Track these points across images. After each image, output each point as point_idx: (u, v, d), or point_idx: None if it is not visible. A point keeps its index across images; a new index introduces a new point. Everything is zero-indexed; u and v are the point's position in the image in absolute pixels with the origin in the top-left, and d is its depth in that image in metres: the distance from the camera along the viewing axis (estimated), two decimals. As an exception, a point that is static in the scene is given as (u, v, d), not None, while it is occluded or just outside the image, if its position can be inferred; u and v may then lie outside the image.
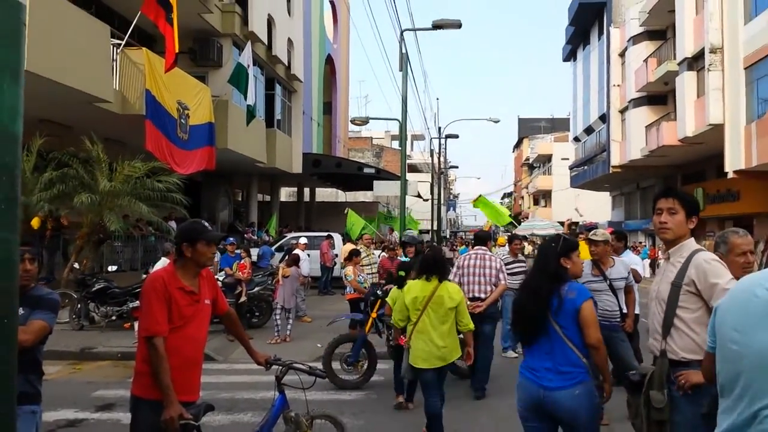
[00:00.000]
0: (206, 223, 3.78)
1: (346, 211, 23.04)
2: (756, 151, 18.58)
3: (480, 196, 27.70)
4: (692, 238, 3.38)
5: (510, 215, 29.69)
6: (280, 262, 13.28)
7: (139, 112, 13.18)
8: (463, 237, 39.90)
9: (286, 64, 23.18)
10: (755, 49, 19.00)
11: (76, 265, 12.17)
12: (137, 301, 9.01)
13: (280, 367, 4.04)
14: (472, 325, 5.50)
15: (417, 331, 5.37)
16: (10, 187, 2.00)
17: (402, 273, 6.77)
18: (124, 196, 12.07)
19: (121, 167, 12.11)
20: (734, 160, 20.10)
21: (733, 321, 1.90)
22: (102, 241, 12.63)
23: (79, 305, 11.25)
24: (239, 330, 4.14)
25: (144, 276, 11.95)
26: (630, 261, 7.53)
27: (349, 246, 19.30)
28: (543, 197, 67.08)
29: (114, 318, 10.99)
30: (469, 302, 6.83)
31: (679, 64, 24.43)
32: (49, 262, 13.73)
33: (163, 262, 11.32)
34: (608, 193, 43.30)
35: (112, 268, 12.82)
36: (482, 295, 7.36)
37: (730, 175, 20.63)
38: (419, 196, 33.31)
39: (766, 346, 1.75)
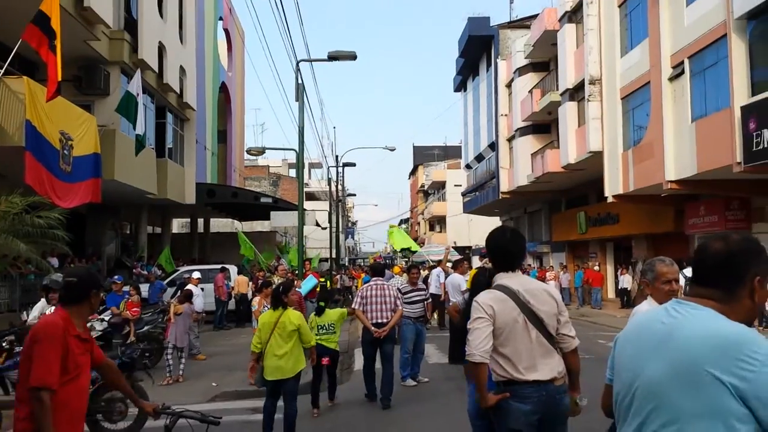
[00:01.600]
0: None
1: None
2: (633, 176, 19.84)
3: (392, 226, 28.42)
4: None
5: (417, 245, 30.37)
6: (172, 297, 12.84)
7: (19, 144, 12.42)
8: (362, 264, 40.03)
9: (178, 92, 22.64)
10: (631, 80, 20.37)
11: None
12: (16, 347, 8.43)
13: (170, 416, 3.84)
14: (313, 342, 6.88)
15: (267, 351, 6.58)
16: None
17: (322, 303, 8.50)
18: (0, 234, 11.28)
19: (-3, 203, 11.33)
20: (613, 185, 21.34)
21: (630, 350, 2.03)
22: (-25, 281, 11.74)
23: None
24: (120, 380, 3.95)
25: (25, 318, 11.19)
26: None
27: (243, 278, 19.03)
28: (438, 223, 68.67)
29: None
30: (373, 327, 8.30)
31: (561, 94, 25.81)
32: None
33: (43, 303, 10.67)
34: (498, 217, 44.90)
35: (-14, 311, 11.93)
36: (384, 321, 8.44)
37: (610, 200, 21.84)
38: (318, 224, 33.19)
39: (655, 375, 1.87)
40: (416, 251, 28.52)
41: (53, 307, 10.46)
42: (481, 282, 4.68)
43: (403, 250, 28.82)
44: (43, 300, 10.91)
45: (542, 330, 3.61)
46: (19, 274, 15.24)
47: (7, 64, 12.59)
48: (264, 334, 6.62)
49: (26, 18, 11.98)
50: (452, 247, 28.83)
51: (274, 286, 8.17)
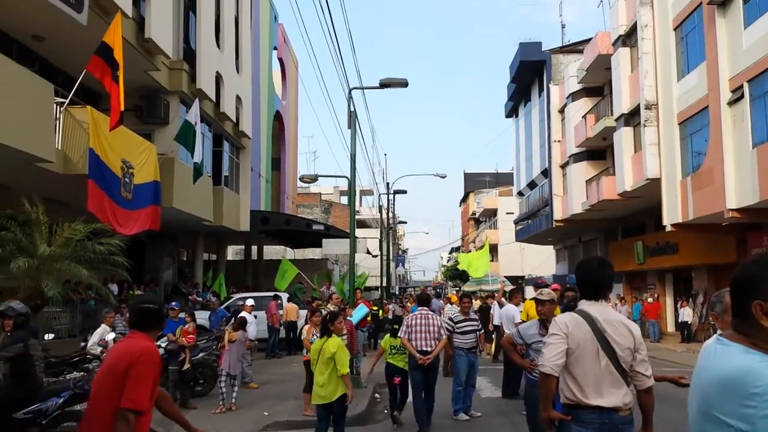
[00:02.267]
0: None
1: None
2: (692, 204, 19.26)
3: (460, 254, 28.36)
4: None
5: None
6: (226, 325, 12.96)
7: (82, 172, 12.85)
8: (413, 294, 39.84)
9: (235, 120, 23.15)
10: (688, 105, 19.88)
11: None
12: (75, 372, 8.60)
13: None
14: (344, 371, 6.80)
15: (314, 377, 7.08)
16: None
17: (396, 326, 9.32)
18: (63, 260, 11.61)
19: (61, 230, 11.69)
20: (672, 214, 20.76)
21: (690, 389, 2.02)
22: (39, 307, 12.05)
23: (12, 376, 10.65)
24: (173, 408, 3.97)
25: (83, 344, 11.45)
26: None
27: (293, 306, 19.09)
28: (490, 251, 67.90)
29: (50, 389, 10.42)
30: (419, 354, 8.54)
31: (616, 120, 25.37)
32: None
33: (103, 329, 10.91)
34: (552, 246, 44.13)
35: (48, 336, 12.23)
36: (428, 349, 8.62)
37: (669, 228, 21.25)
38: (369, 252, 33.27)
39: (691, 417, 1.89)
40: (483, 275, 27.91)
41: (112, 333, 10.69)
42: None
43: (455, 277, 28.56)
44: (103, 326, 11.16)
45: (614, 360, 3.71)
46: (80, 300, 15.66)
47: (72, 94, 13.11)
48: (313, 362, 7.15)
49: (90, 49, 12.48)
50: (505, 277, 28.52)
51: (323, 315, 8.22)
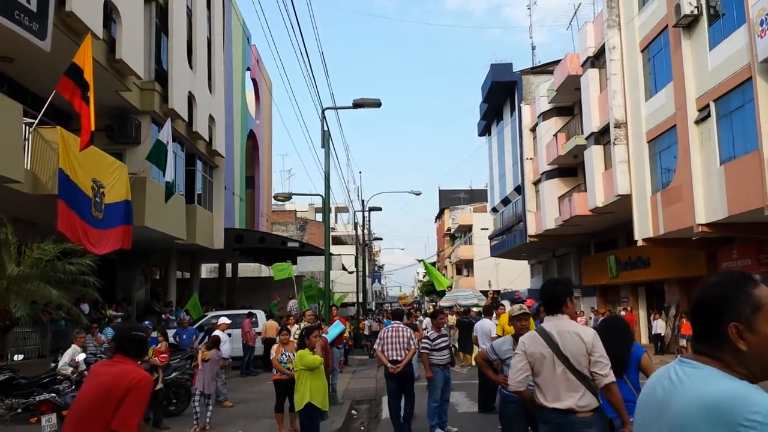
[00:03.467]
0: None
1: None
2: (662, 219, 19.59)
3: (424, 260, 28.53)
4: None
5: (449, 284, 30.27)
6: (199, 343, 12.84)
7: (52, 192, 12.72)
8: (389, 309, 39.81)
9: (207, 140, 23.08)
10: (657, 124, 20.29)
11: (-22, 356, 11.36)
12: (45, 394, 8.48)
13: None
14: (318, 361, 7.82)
15: None
16: None
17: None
18: (32, 281, 11.46)
19: (30, 250, 11.55)
20: (643, 229, 21.08)
21: (638, 418, 1.88)
22: (8, 328, 11.86)
23: (-19, 398, 10.44)
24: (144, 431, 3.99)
25: (53, 365, 11.27)
26: None
27: (272, 323, 18.97)
28: (465, 266, 68.25)
29: (20, 411, 10.23)
30: (390, 364, 9.23)
31: (586, 138, 25.77)
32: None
33: (74, 350, 10.75)
34: (527, 261, 44.46)
35: (17, 357, 12.04)
36: (398, 358, 9.29)
37: (640, 243, 21.55)
38: (344, 268, 33.19)
39: None
40: (444, 287, 28.13)
41: (83, 354, 10.54)
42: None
43: (431, 292, 28.68)
44: (74, 346, 10.99)
45: (569, 366, 4.20)
46: (50, 320, 15.41)
47: (41, 114, 13.00)
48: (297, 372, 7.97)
49: (60, 70, 12.41)
50: (480, 291, 28.65)
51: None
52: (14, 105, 11.98)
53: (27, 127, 12.68)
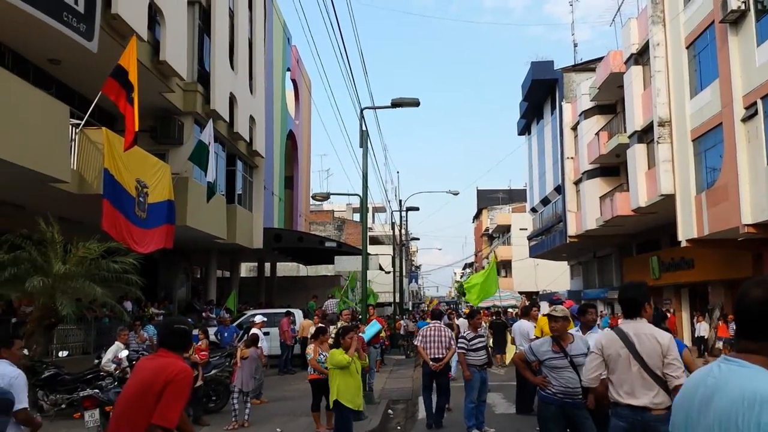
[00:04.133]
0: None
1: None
2: (707, 220, 19.13)
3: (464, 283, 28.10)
4: None
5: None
6: (238, 341, 12.98)
7: (97, 192, 13.02)
8: (426, 309, 39.72)
9: (248, 140, 23.35)
10: (702, 122, 19.82)
11: (26, 351, 11.67)
12: (88, 389, 8.68)
13: None
14: (347, 359, 7.82)
15: None
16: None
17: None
18: (77, 279, 11.74)
19: (75, 249, 11.83)
20: (686, 229, 20.62)
21: (680, 416, 1.87)
22: (53, 325, 12.17)
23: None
24: (188, 426, 4.00)
25: (97, 362, 11.54)
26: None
27: (308, 322, 19.09)
28: (503, 267, 67.67)
29: (63, 407, 10.50)
30: (432, 361, 9.96)
31: (629, 137, 25.32)
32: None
33: (117, 347, 10.99)
34: (566, 262, 43.88)
35: (62, 353, 12.35)
36: (440, 356, 10.02)
37: (684, 244, 21.10)
38: (381, 268, 33.24)
39: None
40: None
41: (126, 351, 10.76)
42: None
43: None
44: (117, 343, 11.24)
45: (644, 366, 4.52)
46: (94, 318, 15.78)
47: (87, 115, 13.32)
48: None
49: (105, 72, 12.70)
50: (518, 293, 28.42)
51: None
52: (61, 106, 12.30)
53: (73, 128, 13.01)
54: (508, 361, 16.97)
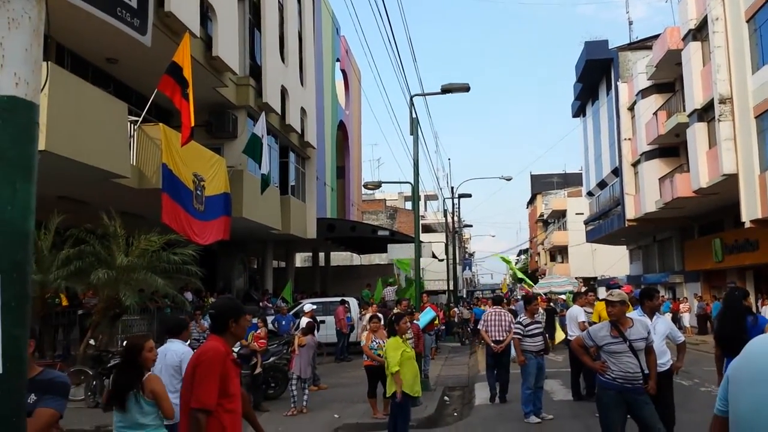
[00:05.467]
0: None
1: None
2: (772, 200, 18.44)
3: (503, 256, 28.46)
4: None
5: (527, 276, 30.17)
6: (295, 330, 13.18)
7: (156, 186, 13.40)
8: (480, 296, 39.49)
9: (300, 132, 23.61)
10: (765, 98, 19.08)
11: (92, 341, 12.15)
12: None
13: None
14: (393, 369, 7.58)
15: None
16: (22, 285, 2.04)
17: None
18: (140, 270, 12.13)
19: (137, 241, 12.22)
20: (750, 210, 19.94)
21: (745, 380, 1.87)
22: (118, 315, 12.63)
23: (94, 382, 11.18)
24: (250, 411, 4.10)
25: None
26: (664, 322, 7.49)
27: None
28: (559, 253, 66.64)
29: (129, 394, 10.87)
30: (493, 343, 11.01)
31: (689, 115, 24.57)
32: (65, 339, 13.72)
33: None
34: (625, 246, 42.94)
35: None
36: (501, 338, 11.02)
37: (747, 225, 20.43)
38: (434, 256, 33.18)
39: (748, 409, 1.75)
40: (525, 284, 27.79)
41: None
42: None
43: (522, 280, 28.36)
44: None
45: None
46: (156, 308, 16.27)
47: (144, 112, 13.69)
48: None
49: (161, 69, 13.01)
50: (575, 278, 28.04)
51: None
52: (120, 104, 12.68)
53: (132, 125, 13.39)
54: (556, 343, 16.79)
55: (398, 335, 7.99)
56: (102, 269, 11.56)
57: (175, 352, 6.02)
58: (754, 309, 25.17)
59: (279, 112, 21.14)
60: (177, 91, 13.13)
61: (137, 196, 13.79)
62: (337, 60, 32.82)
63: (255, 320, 12.42)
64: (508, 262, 30.20)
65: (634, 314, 7.00)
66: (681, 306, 27.63)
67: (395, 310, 12.87)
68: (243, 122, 19.21)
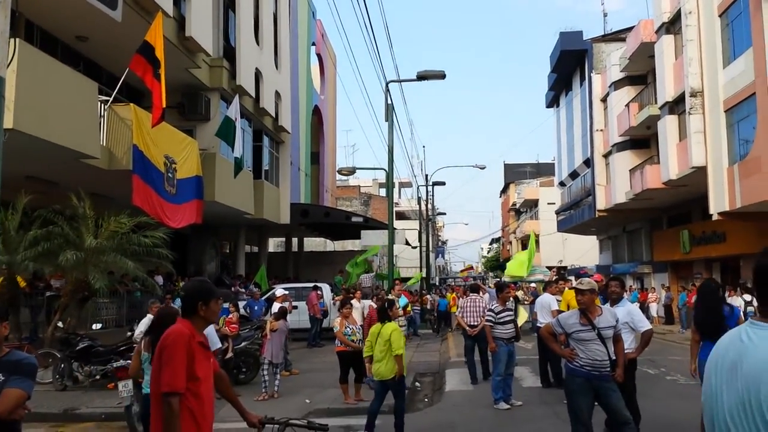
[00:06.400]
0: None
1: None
2: (740, 192, 18.77)
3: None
4: None
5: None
6: (266, 315, 13.14)
7: (126, 167, 13.20)
8: (452, 284, 39.72)
9: (274, 116, 23.41)
10: (735, 92, 19.36)
11: (60, 324, 11.98)
12: (122, 360, 8.87)
13: (277, 426, 3.88)
14: (400, 351, 7.67)
15: (374, 357, 7.89)
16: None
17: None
18: (109, 253, 11.97)
19: (107, 223, 12.04)
20: (718, 202, 20.28)
21: (712, 379, 1.89)
22: (86, 298, 12.44)
23: (62, 365, 11.05)
24: (229, 390, 4.06)
25: (129, 334, 11.78)
26: (629, 308, 7.53)
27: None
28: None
29: (98, 377, 10.78)
30: (468, 327, 11.94)
31: (660, 108, 24.84)
32: (33, 321, 13.51)
33: (149, 319, 11.17)
34: (595, 236, 43.48)
35: (96, 326, 12.63)
36: (475, 323, 11.73)
37: (715, 217, 20.76)
38: (407, 243, 33.27)
39: (727, 407, 1.75)
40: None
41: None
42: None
43: (495, 268, 28.43)
44: (149, 315, 11.43)
45: None
46: (126, 291, 16.09)
47: (115, 92, 13.45)
48: (371, 344, 7.98)
49: (132, 49, 12.79)
50: (546, 267, 28.31)
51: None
52: (90, 83, 12.43)
53: (102, 105, 13.15)
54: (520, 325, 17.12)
55: (392, 320, 8.15)
56: (70, 251, 11.38)
57: None
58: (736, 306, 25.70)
59: (253, 95, 20.93)
60: (148, 71, 12.91)
61: (107, 178, 13.58)
62: (313, 44, 32.56)
63: (227, 305, 12.35)
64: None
65: (606, 306, 7.12)
66: (649, 296, 28.09)
67: (391, 296, 13.58)
68: (216, 104, 18.99)
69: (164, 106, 13.04)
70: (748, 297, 22.69)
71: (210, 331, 7.31)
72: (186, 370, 3.29)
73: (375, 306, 12.55)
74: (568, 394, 6.44)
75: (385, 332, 7.78)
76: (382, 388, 7.80)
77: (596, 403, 6.29)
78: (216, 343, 7.80)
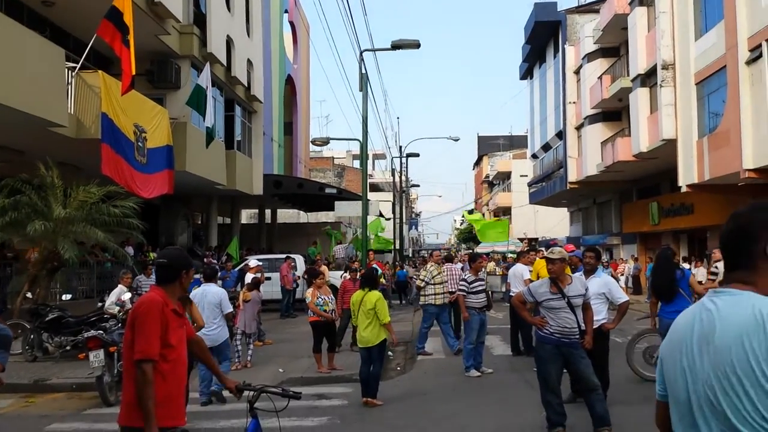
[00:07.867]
0: None
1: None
2: (708, 165, 19.05)
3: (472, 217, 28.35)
4: None
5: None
6: (236, 285, 13.11)
7: (95, 136, 12.94)
8: (425, 255, 39.95)
9: (246, 84, 23.08)
10: (706, 65, 19.52)
11: (29, 295, 11.83)
12: (92, 331, 8.80)
13: (252, 392, 3.93)
14: (387, 319, 8.01)
15: (357, 324, 8.19)
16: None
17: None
18: (78, 223, 11.79)
19: (76, 193, 11.84)
20: (687, 175, 20.56)
21: (678, 357, 1.81)
22: (56, 269, 12.27)
23: (32, 336, 10.94)
24: (206, 355, 4.13)
25: (100, 305, 11.68)
26: (605, 280, 7.67)
27: (324, 268, 19.28)
28: (503, 214, 67.81)
29: (68, 348, 10.68)
30: (448, 294, 11.80)
31: (632, 80, 24.98)
32: (1, 292, 13.32)
33: (120, 289, 11.09)
34: (566, 209, 43.95)
35: (66, 296, 12.49)
36: (452, 290, 11.67)
37: (684, 189, 21.06)
38: (381, 215, 33.31)
39: (704, 379, 1.68)
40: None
41: (129, 293, 10.88)
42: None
43: (468, 239, 28.65)
44: (120, 286, 11.33)
45: None
46: (97, 262, 15.90)
47: (83, 59, 13.14)
48: (354, 312, 8.23)
49: (100, 14, 12.47)
50: (518, 239, 28.58)
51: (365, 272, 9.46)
52: (56, 49, 12.12)
53: (69, 72, 12.84)
54: None
55: (376, 288, 8.42)
56: (39, 221, 11.19)
57: (214, 293, 8.29)
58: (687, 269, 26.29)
59: (224, 63, 20.59)
60: (117, 37, 12.62)
61: (75, 146, 13.31)
62: (286, 11, 32.04)
63: (198, 276, 12.26)
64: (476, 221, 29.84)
65: (576, 275, 7.25)
66: (619, 267, 28.58)
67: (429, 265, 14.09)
68: (186, 72, 18.65)
69: (134, 73, 12.78)
70: (703, 271, 23.18)
71: (222, 295, 8.41)
72: (159, 338, 3.32)
73: (348, 278, 12.76)
74: (538, 360, 6.58)
75: (369, 300, 7.98)
76: (367, 354, 8.02)
77: (565, 370, 6.43)
78: (227, 308, 8.34)
